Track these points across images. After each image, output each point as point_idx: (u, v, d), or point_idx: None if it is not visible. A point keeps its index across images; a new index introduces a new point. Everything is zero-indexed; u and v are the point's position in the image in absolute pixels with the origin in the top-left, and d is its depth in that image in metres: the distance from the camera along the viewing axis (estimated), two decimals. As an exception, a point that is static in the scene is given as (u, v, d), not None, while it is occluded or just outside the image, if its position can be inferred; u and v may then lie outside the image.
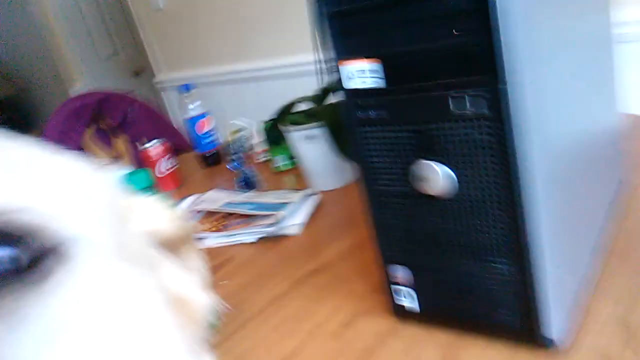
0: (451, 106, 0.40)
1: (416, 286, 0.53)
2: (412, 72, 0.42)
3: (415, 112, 0.43)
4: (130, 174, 0.61)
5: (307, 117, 0.94)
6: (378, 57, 0.44)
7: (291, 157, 1.12)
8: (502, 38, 0.36)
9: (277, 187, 1.06)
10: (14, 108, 3.27)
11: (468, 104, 0.39)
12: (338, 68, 0.46)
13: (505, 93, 0.37)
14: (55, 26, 2.89)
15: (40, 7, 2.87)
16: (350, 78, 0.46)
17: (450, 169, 0.43)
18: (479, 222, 0.44)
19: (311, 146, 0.92)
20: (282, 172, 1.16)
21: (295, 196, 0.94)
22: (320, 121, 0.90)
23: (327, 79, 0.95)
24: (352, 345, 0.56)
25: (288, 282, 0.72)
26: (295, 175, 1.11)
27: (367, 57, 0.45)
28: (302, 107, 0.98)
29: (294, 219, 0.88)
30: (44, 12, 2.88)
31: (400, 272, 0.54)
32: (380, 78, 0.44)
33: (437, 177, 0.44)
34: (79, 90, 2.12)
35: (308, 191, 0.95)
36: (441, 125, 0.42)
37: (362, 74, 0.45)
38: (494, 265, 0.45)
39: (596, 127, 0.60)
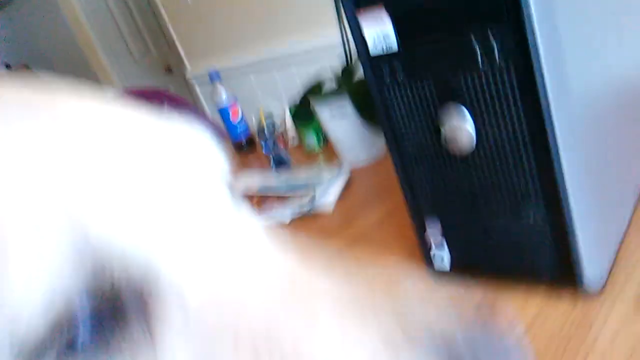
0: (476, 54, 0.40)
1: (450, 243, 0.53)
2: (435, 23, 0.42)
3: (439, 66, 0.43)
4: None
5: (334, 94, 0.94)
6: (396, 10, 0.44)
7: (321, 136, 1.13)
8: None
9: (309, 166, 1.08)
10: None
11: (494, 52, 0.39)
12: (360, 33, 0.47)
13: (532, 38, 0.37)
14: (89, 32, 2.98)
15: (72, 14, 2.97)
16: (372, 42, 0.47)
17: (477, 119, 0.43)
18: (510, 172, 0.44)
19: (340, 122, 0.93)
20: (313, 151, 1.17)
21: (327, 174, 0.95)
22: (346, 96, 0.90)
23: (350, 54, 0.95)
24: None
25: (326, 256, 0.73)
26: (326, 153, 1.12)
27: (386, 8, 0.45)
28: (328, 84, 0.98)
29: (327, 196, 0.89)
30: (77, 20, 2.97)
31: (435, 230, 0.54)
32: (399, 37, 0.45)
33: (465, 129, 0.44)
34: (113, 92, 2.19)
35: (339, 168, 0.96)
36: (465, 75, 0.42)
37: (383, 35, 0.45)
38: (528, 214, 0.45)
39: (635, 73, 0.58)
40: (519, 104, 0.41)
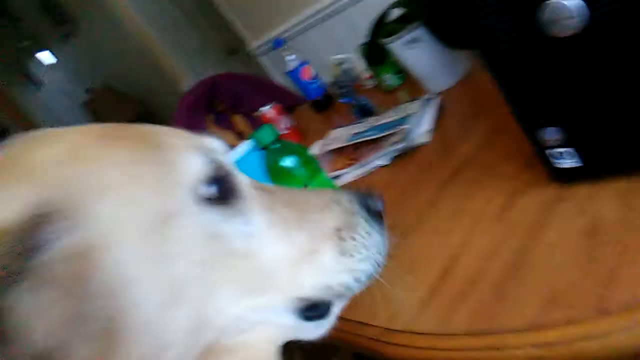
0: None
1: (573, 143, 0.49)
2: None
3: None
4: (255, 132, 0.64)
5: (403, 22, 0.90)
6: None
7: (398, 71, 1.09)
8: None
9: (393, 105, 1.05)
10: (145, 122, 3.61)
11: None
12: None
13: None
14: (153, 37, 3.10)
15: (134, 25, 3.10)
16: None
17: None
18: (626, 53, 0.39)
19: (415, 50, 0.89)
20: (393, 89, 1.14)
21: (414, 106, 0.92)
22: (417, 20, 0.86)
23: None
24: (521, 222, 0.54)
25: (433, 188, 0.71)
26: (407, 88, 1.08)
27: None
28: (395, 14, 0.94)
29: (420, 127, 0.86)
30: (140, 28, 3.09)
31: (553, 134, 0.50)
32: None
33: (568, 11, 0.39)
34: (187, 86, 2.27)
35: (425, 97, 0.92)
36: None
37: None
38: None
39: None
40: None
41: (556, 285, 0.45)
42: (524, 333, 0.43)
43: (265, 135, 0.65)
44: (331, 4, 2.08)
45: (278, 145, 0.64)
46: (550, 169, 0.54)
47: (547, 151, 0.53)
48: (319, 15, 2.17)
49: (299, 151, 0.64)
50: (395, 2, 0.92)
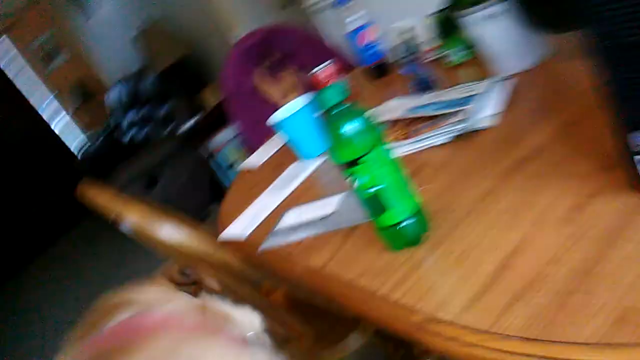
0: None
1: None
2: None
3: None
4: (324, 90, 0.61)
5: (484, -4, 0.84)
6: None
7: (467, 47, 1.03)
8: None
9: (457, 82, 1.00)
10: (186, 68, 3.60)
11: None
12: None
13: None
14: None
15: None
16: None
17: None
18: None
19: (494, 25, 0.83)
20: (458, 65, 1.08)
21: (482, 86, 0.87)
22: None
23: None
24: (592, 228, 0.50)
25: (494, 177, 0.67)
26: (473, 66, 1.03)
27: None
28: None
29: (486, 110, 0.82)
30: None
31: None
32: None
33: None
34: (238, 35, 2.23)
35: (496, 78, 0.87)
36: None
37: None
38: None
39: None
40: None
41: (629, 303, 0.42)
42: (587, 348, 0.40)
43: (332, 95, 0.61)
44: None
45: (343, 108, 0.61)
46: (636, 177, 0.50)
47: (637, 157, 0.48)
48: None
49: (364, 117, 0.61)
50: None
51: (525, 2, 0.74)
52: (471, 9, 0.83)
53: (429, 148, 0.85)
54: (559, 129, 0.69)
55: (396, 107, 1.02)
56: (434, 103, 0.93)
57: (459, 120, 0.83)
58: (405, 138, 0.91)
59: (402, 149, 0.89)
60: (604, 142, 0.55)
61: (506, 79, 0.86)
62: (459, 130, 0.81)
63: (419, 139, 0.88)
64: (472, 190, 0.67)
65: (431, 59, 1.19)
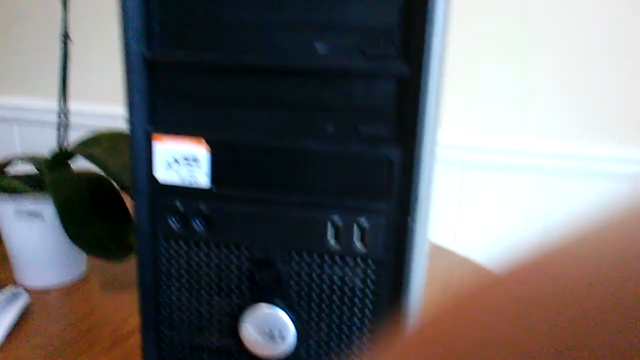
0: (327, 234, 0.29)
1: None
2: (270, 172, 0.30)
3: (265, 233, 0.31)
4: None
5: (30, 185, 0.69)
6: (216, 141, 0.30)
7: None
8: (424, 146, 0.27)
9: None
10: None
11: (354, 236, 0.29)
12: (150, 145, 0.31)
13: (411, 230, 0.28)
14: None
15: None
16: (169, 165, 0.31)
17: (298, 321, 0.31)
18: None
19: (29, 225, 0.67)
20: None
21: (-9, 297, 0.65)
22: (49, 193, 0.67)
23: (67, 134, 0.73)
24: None
25: None
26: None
27: (197, 135, 0.30)
28: (26, 168, 0.72)
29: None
30: None
31: None
32: (215, 172, 0.31)
33: (281, 332, 0.31)
34: None
35: (12, 289, 0.68)
36: (305, 259, 0.30)
37: (192, 162, 0.30)
38: None
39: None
40: (368, 309, 0.31)
41: None
42: None
43: None
44: None
45: None
46: None
47: None
48: None
49: None
50: (34, 156, 0.72)
51: (61, 212, 0.63)
52: (5, 195, 0.65)
53: None
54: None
55: None
56: None
57: None
58: None
59: None
60: None
61: (23, 293, 0.68)
62: None
63: None
64: None
65: None
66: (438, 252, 0.91)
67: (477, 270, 0.83)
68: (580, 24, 1.05)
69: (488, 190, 1.17)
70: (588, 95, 1.08)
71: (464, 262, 0.87)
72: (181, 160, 0.30)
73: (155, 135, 0.30)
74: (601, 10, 1.03)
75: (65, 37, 0.72)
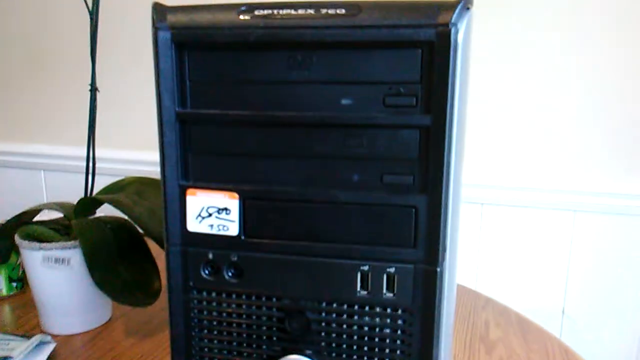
0: (356, 283, 0.30)
1: None
2: (299, 222, 0.31)
3: (295, 282, 0.31)
4: None
5: (57, 232, 0.71)
6: (247, 191, 0.31)
7: (17, 279, 0.83)
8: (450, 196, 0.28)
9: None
10: None
11: (382, 285, 0.29)
12: (183, 198, 0.32)
13: (440, 277, 0.29)
14: None
15: None
16: (201, 216, 0.32)
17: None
18: None
19: (56, 271, 0.68)
20: (4, 297, 0.85)
21: (21, 345, 0.66)
22: (76, 239, 0.68)
23: (93, 181, 0.75)
24: None
25: None
26: (16, 306, 0.81)
27: (227, 187, 0.32)
28: (53, 215, 0.74)
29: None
30: None
31: None
32: (245, 222, 0.32)
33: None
34: None
35: (40, 337, 0.69)
36: (334, 308, 0.31)
37: (223, 213, 0.32)
38: None
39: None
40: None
41: None
42: None
43: None
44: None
45: None
46: None
47: None
48: None
49: None
50: (63, 203, 0.74)
51: (88, 257, 0.64)
52: (31, 242, 0.67)
53: None
54: None
55: None
56: None
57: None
58: None
59: None
60: None
61: (51, 341, 0.68)
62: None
63: None
64: None
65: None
66: (461, 292, 0.90)
67: (501, 311, 0.82)
68: (601, 59, 1.06)
69: (508, 227, 1.16)
70: (609, 130, 1.08)
71: (488, 302, 0.86)
72: (213, 212, 0.32)
73: (188, 190, 0.32)
74: (625, 43, 1.04)
75: (93, 87, 0.75)
